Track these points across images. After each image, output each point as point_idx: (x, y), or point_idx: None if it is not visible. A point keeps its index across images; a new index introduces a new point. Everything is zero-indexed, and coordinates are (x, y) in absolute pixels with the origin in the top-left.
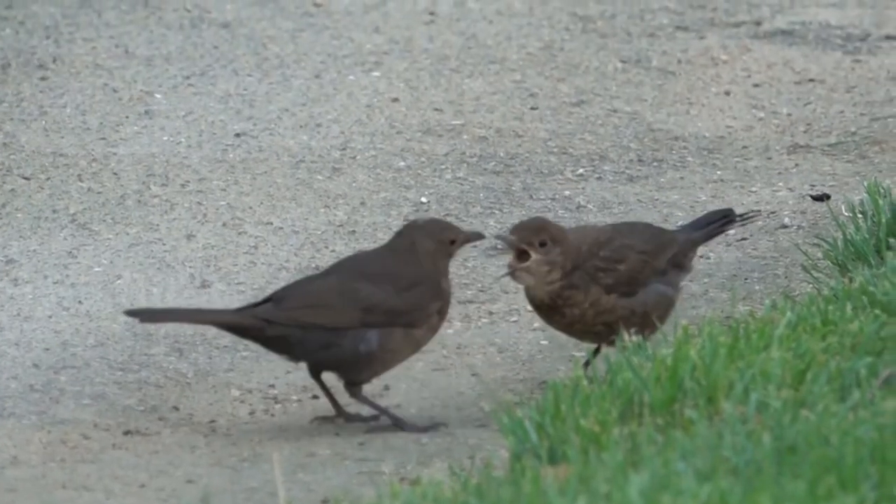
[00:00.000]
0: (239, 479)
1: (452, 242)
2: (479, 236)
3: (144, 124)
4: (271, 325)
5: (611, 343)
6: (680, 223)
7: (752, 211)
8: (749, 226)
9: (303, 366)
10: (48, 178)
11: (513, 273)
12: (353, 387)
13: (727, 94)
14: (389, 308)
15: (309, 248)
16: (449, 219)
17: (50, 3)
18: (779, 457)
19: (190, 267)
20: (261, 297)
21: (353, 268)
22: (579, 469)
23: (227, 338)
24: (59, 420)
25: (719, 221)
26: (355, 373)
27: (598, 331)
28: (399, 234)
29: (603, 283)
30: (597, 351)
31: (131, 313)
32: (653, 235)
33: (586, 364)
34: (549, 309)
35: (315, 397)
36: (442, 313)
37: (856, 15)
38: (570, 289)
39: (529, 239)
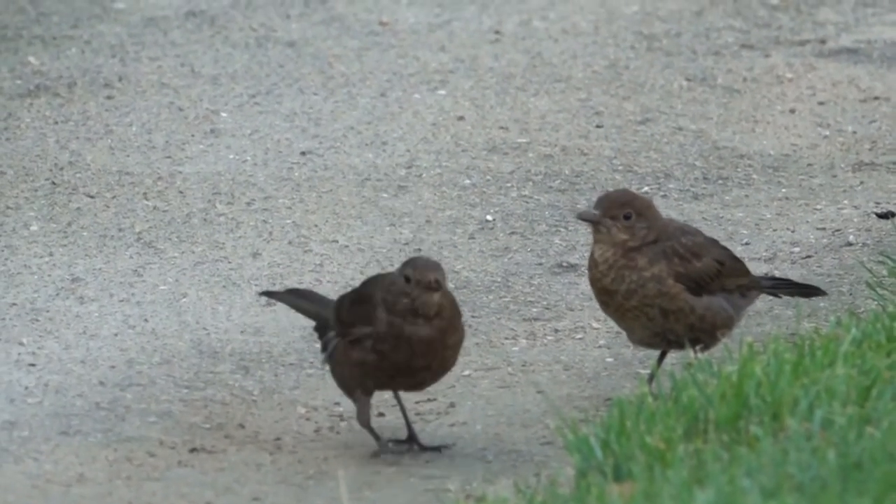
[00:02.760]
0: (305, 496)
1: (407, 280)
2: (430, 286)
3: (210, 143)
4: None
5: (668, 345)
6: (745, 241)
7: (819, 288)
8: (814, 243)
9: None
10: (114, 197)
11: (594, 224)
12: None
13: (792, 112)
14: (337, 316)
15: (374, 266)
16: (514, 237)
17: (116, 23)
18: (844, 473)
19: (256, 285)
20: None
21: None
22: (644, 486)
23: (293, 355)
24: (124, 438)
25: (786, 283)
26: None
27: (653, 316)
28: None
29: (675, 268)
30: (661, 359)
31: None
32: (731, 257)
33: (651, 378)
34: (610, 273)
35: (381, 415)
36: (376, 347)
37: None
38: (636, 252)
39: (613, 212)
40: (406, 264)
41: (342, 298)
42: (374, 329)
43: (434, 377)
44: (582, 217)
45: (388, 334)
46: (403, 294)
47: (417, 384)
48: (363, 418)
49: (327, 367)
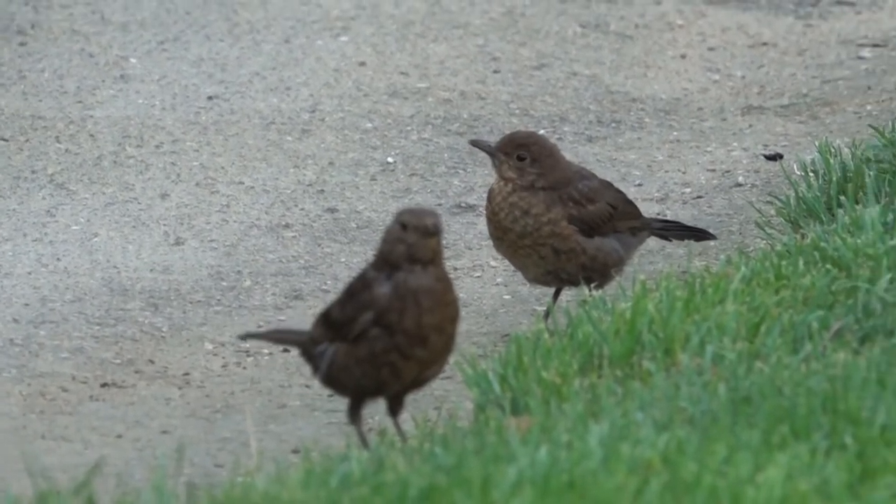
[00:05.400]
0: (212, 429)
1: (404, 227)
2: (427, 232)
3: (120, 88)
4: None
5: (562, 283)
6: (638, 182)
7: (708, 232)
8: (705, 184)
9: (271, 319)
10: (27, 140)
11: (493, 155)
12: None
13: (683, 57)
14: (333, 321)
15: (279, 206)
16: (414, 178)
17: None
18: (734, 407)
19: (164, 225)
20: (231, 253)
21: None
22: (541, 419)
23: (201, 293)
24: (38, 373)
25: (676, 226)
26: (333, 391)
27: (545, 255)
28: None
29: (569, 211)
30: (556, 296)
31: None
32: (624, 201)
33: (546, 314)
34: (504, 207)
35: (286, 350)
36: (386, 325)
37: None
38: (533, 196)
39: (506, 149)
40: (401, 213)
41: (326, 309)
42: (376, 305)
43: (443, 349)
44: (475, 144)
45: (392, 295)
46: (399, 241)
47: (429, 362)
48: (353, 416)
49: (326, 386)
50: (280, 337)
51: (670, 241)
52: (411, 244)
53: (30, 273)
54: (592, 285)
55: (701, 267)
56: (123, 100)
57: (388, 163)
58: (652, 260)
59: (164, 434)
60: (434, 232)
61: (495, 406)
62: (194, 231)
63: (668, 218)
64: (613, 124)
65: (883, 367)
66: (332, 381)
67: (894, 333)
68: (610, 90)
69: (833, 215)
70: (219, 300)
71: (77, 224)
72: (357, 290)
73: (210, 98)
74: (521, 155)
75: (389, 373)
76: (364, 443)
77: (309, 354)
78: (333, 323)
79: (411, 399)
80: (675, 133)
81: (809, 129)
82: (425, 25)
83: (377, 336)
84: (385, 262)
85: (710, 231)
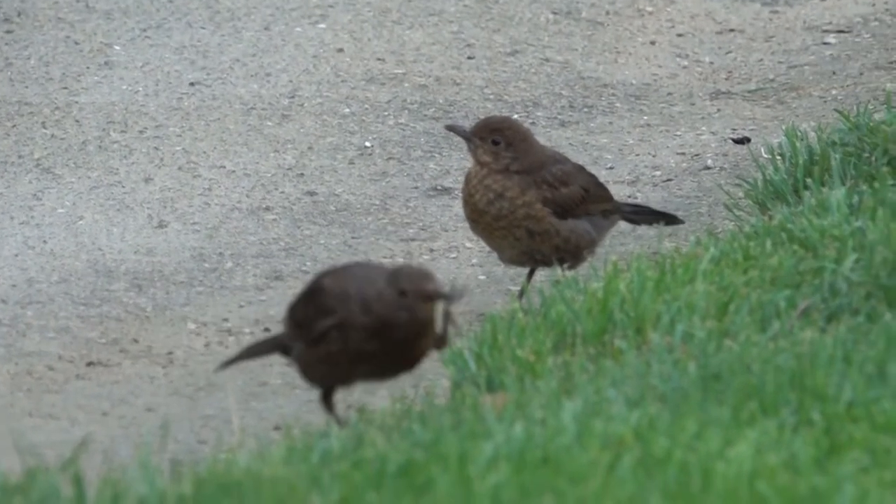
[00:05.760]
0: (195, 407)
1: (403, 294)
2: (429, 297)
3: (104, 74)
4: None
5: (537, 263)
6: (610, 166)
7: (676, 217)
8: (675, 167)
9: (252, 299)
10: (14, 126)
11: (468, 140)
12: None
13: (653, 43)
14: (296, 320)
15: (260, 189)
16: (391, 162)
17: None
18: (704, 384)
19: (148, 208)
20: (213, 236)
21: None
22: (516, 396)
23: (183, 274)
24: (25, 352)
25: (646, 210)
26: (307, 382)
27: (520, 236)
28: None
29: (543, 194)
30: (530, 276)
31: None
32: (596, 184)
33: (521, 294)
34: (479, 189)
35: (267, 329)
36: (344, 333)
37: None
38: (507, 179)
39: (481, 133)
40: (396, 278)
41: (292, 304)
42: (345, 317)
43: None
44: (450, 128)
45: (366, 324)
46: (400, 308)
47: (384, 376)
48: (326, 403)
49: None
50: (253, 351)
51: (640, 224)
52: (413, 309)
53: (17, 255)
54: (565, 266)
55: (671, 248)
56: (108, 86)
57: (366, 147)
58: (623, 241)
59: (148, 412)
60: (436, 296)
61: (471, 384)
62: (177, 214)
63: (639, 201)
64: (585, 109)
65: (849, 345)
66: (303, 374)
67: (860, 312)
68: (582, 76)
69: (800, 197)
70: (201, 281)
71: (63, 207)
72: (319, 293)
73: (192, 84)
74: (496, 139)
75: (350, 372)
76: (340, 425)
77: (284, 348)
78: (297, 322)
79: None
80: (645, 117)
81: (776, 114)
82: (401, 13)
83: (334, 338)
84: (382, 326)
85: (679, 215)
